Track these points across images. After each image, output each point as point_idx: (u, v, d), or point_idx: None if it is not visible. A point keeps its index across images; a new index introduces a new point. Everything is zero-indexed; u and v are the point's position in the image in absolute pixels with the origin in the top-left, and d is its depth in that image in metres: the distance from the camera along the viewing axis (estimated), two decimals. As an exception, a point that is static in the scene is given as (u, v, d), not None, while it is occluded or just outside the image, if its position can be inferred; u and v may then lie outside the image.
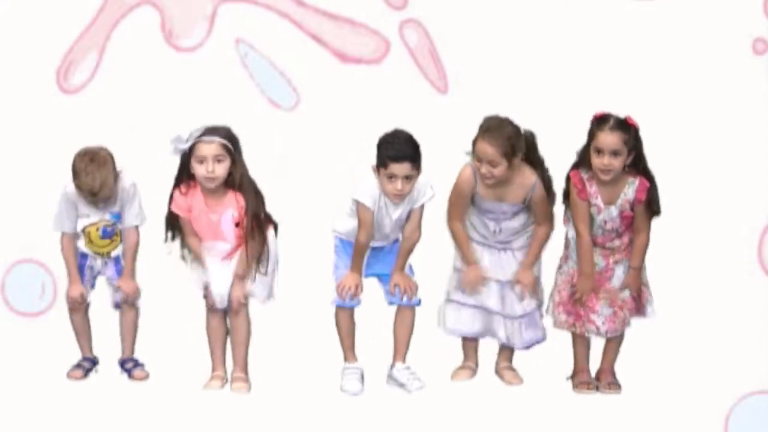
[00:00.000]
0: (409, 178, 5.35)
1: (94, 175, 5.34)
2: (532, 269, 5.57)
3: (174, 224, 5.46)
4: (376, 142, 5.39)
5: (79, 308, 5.57)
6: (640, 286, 5.52)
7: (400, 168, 5.33)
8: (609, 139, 5.35)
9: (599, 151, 5.36)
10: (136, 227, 5.53)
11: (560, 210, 5.58)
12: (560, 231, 5.58)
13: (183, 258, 5.50)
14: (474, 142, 5.41)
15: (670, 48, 6.34)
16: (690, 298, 6.08)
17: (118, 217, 5.51)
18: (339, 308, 5.52)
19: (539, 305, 5.61)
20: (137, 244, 5.55)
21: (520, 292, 5.55)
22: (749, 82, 6.28)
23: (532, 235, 5.55)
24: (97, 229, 5.51)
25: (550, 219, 5.53)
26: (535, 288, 5.58)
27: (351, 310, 5.53)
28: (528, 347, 5.60)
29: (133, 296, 5.56)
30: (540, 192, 5.47)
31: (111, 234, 5.54)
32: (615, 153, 5.35)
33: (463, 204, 5.51)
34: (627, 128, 5.35)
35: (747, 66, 6.28)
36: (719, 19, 6.30)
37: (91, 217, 5.50)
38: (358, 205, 5.44)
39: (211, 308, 5.47)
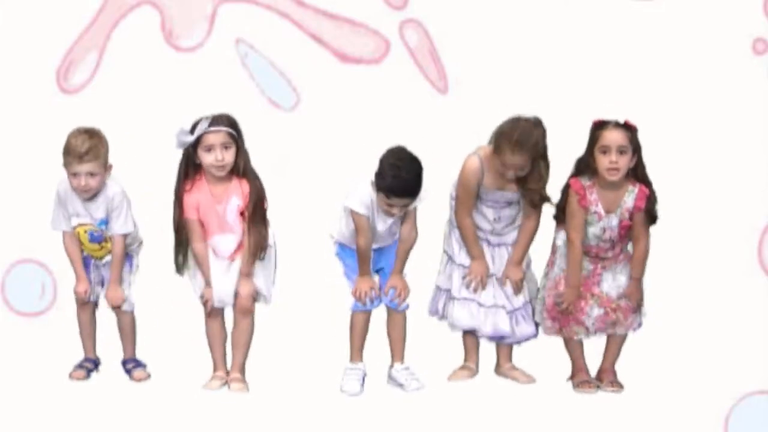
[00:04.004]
0: (406, 205, 5.38)
1: (84, 139, 5.37)
2: (521, 265, 5.58)
3: (182, 238, 5.44)
4: (383, 160, 5.34)
5: (86, 306, 5.56)
6: (642, 297, 5.51)
7: (401, 201, 5.35)
8: (615, 135, 5.36)
9: (605, 151, 5.36)
10: (123, 236, 5.51)
11: (553, 212, 5.57)
12: (550, 232, 5.59)
13: (187, 268, 5.49)
14: (498, 146, 5.36)
15: (670, 48, 6.35)
16: (690, 298, 6.08)
17: (105, 224, 5.50)
18: (356, 312, 5.53)
19: (530, 300, 5.63)
20: (123, 253, 5.52)
21: (511, 288, 5.56)
22: (749, 82, 6.28)
23: (520, 230, 5.55)
24: (86, 232, 5.50)
25: (539, 214, 5.53)
26: (522, 283, 5.59)
27: (368, 313, 5.53)
28: (519, 342, 5.62)
29: (118, 305, 5.55)
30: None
31: (99, 239, 5.52)
32: (621, 150, 5.35)
33: (471, 197, 5.50)
34: (628, 128, 5.37)
35: (747, 66, 6.28)
36: (719, 19, 6.30)
37: (80, 218, 5.49)
38: (352, 213, 5.44)
39: (209, 311, 5.48)
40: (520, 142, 5.33)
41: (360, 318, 5.52)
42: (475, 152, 5.47)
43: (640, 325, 5.54)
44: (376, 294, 5.50)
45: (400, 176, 5.30)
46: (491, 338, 5.62)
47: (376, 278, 5.57)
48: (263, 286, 5.47)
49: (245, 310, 5.45)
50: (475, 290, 5.57)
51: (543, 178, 5.44)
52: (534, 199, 5.47)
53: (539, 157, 5.39)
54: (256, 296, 5.46)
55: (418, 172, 5.33)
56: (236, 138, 5.38)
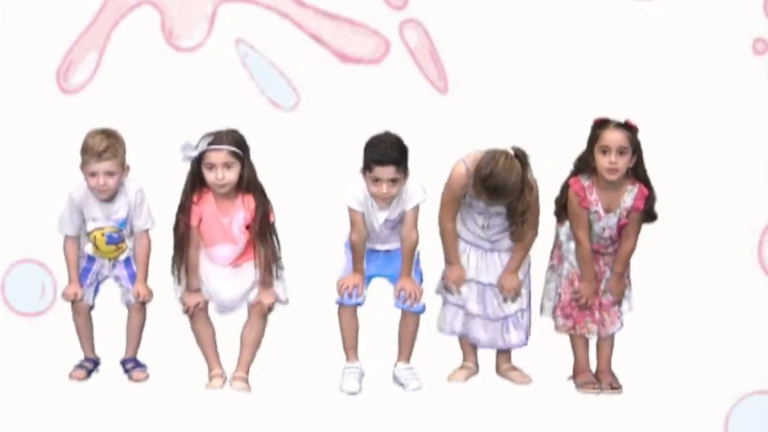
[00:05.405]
0: (394, 182, 5.34)
1: (102, 138, 5.38)
2: (517, 273, 5.56)
3: (183, 248, 5.45)
4: (364, 144, 5.38)
5: (79, 308, 5.57)
6: (623, 291, 5.52)
7: (385, 171, 5.31)
8: (615, 135, 5.36)
9: (605, 151, 5.36)
10: (147, 231, 5.54)
11: (551, 209, 5.56)
12: (549, 233, 5.59)
13: (177, 274, 5.50)
14: (474, 189, 5.33)
15: (670, 48, 6.35)
16: (690, 298, 6.08)
17: (124, 224, 5.51)
18: (341, 306, 5.53)
19: (524, 308, 5.61)
20: (149, 248, 5.56)
21: (504, 295, 5.55)
22: (749, 82, 6.28)
23: (518, 240, 5.53)
24: (103, 235, 5.51)
25: (536, 225, 5.50)
26: (519, 291, 5.57)
27: (353, 309, 5.53)
28: (509, 349, 5.62)
29: (148, 300, 5.57)
30: (531, 201, 5.44)
31: (117, 241, 5.53)
32: (621, 151, 5.35)
33: (455, 203, 5.49)
34: (629, 129, 5.37)
35: (747, 66, 6.28)
36: (719, 19, 6.30)
37: (98, 222, 5.50)
38: (347, 207, 5.45)
39: (191, 316, 5.49)
40: (497, 191, 5.29)
41: (345, 312, 5.52)
42: (463, 159, 5.44)
43: (621, 324, 5.54)
44: (359, 292, 5.50)
45: (382, 144, 5.32)
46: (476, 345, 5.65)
47: (384, 282, 5.57)
48: (281, 293, 5.51)
49: (264, 315, 5.48)
50: (452, 293, 5.57)
51: (526, 212, 5.39)
52: (519, 233, 5.46)
53: (520, 192, 5.34)
54: (275, 304, 5.50)
55: (401, 145, 5.34)
56: (240, 156, 5.38)
